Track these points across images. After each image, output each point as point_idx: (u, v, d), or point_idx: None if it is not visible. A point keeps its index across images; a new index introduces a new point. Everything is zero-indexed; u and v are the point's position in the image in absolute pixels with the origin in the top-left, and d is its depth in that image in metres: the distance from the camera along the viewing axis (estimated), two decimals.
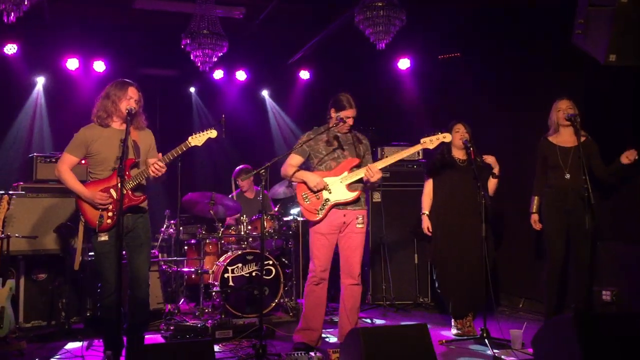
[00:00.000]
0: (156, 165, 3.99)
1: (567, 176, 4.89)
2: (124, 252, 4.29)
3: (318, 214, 4.51)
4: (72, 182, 4.10)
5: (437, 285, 5.33)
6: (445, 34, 7.17)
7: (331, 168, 4.58)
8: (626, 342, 3.64)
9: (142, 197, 4.13)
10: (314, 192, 4.53)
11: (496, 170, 5.09)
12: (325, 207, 4.50)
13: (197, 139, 4.07)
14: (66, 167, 4.14)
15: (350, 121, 4.59)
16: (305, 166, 4.71)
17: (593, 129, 5.02)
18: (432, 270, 5.37)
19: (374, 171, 4.41)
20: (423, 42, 7.48)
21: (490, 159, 5.07)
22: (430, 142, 4.52)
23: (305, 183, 4.56)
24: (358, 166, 4.56)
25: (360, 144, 4.68)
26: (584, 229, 4.55)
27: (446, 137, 4.54)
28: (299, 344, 4.53)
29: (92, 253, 4.33)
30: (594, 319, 3.93)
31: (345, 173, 4.54)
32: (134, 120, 4.12)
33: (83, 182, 4.17)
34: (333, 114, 4.61)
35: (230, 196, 6.84)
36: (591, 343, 3.59)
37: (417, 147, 4.60)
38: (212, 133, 4.12)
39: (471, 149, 4.94)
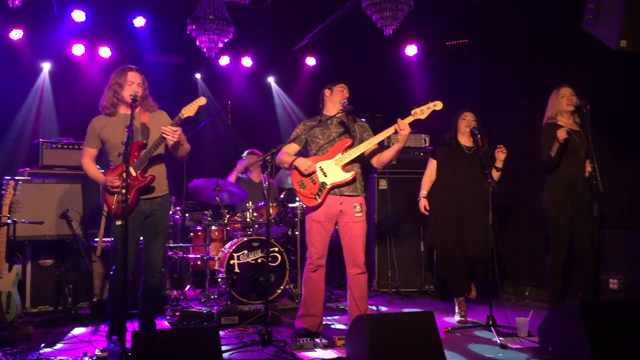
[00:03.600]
0: (166, 130, 3.97)
1: (581, 162, 4.84)
2: (141, 238, 4.31)
3: (316, 198, 4.48)
4: (93, 172, 4.25)
5: (436, 268, 5.34)
6: (453, 20, 7.09)
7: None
8: (632, 329, 3.63)
9: (149, 177, 4.11)
10: (309, 177, 4.51)
11: (499, 164, 5.01)
12: (323, 190, 4.47)
13: (189, 110, 4.05)
14: (87, 159, 4.26)
15: (346, 92, 4.63)
16: (304, 154, 4.68)
17: (605, 114, 4.95)
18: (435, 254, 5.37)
19: (404, 124, 4.31)
20: (431, 28, 7.40)
21: (499, 155, 4.98)
22: (421, 112, 4.38)
23: (297, 168, 4.55)
24: (352, 146, 4.52)
25: (354, 124, 4.67)
26: (591, 216, 4.50)
27: (437, 105, 4.36)
28: (301, 329, 4.56)
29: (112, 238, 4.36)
30: (600, 307, 3.92)
31: (340, 155, 4.50)
32: (140, 105, 4.11)
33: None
34: (328, 93, 4.68)
35: (228, 178, 6.77)
36: (597, 331, 3.58)
37: (409, 119, 4.39)
38: (202, 100, 4.10)
39: (478, 136, 4.89)
